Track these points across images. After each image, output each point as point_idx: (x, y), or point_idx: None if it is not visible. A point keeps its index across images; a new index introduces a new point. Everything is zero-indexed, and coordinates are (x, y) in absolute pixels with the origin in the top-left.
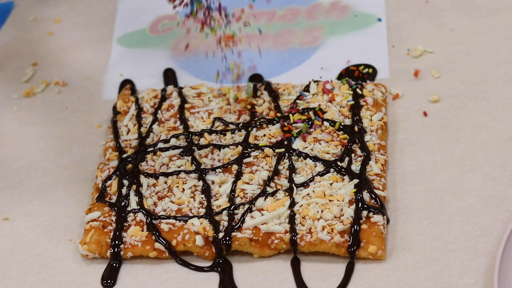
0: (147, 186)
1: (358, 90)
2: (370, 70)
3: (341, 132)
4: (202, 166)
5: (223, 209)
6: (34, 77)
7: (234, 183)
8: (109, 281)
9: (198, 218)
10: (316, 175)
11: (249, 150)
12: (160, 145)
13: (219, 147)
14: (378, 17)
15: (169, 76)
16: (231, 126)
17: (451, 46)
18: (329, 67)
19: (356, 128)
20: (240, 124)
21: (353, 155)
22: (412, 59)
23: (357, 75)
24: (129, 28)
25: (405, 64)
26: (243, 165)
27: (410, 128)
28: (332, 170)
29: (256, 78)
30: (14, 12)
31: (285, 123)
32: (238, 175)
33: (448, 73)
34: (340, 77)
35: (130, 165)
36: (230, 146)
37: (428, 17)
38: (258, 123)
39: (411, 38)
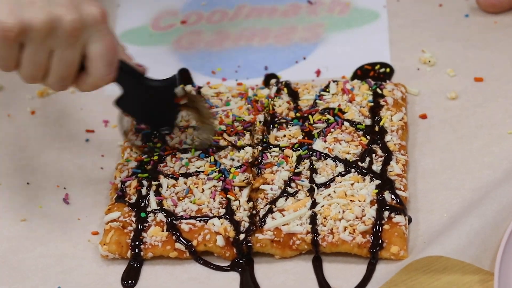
0: (167, 187)
1: (378, 90)
2: (388, 70)
3: (361, 132)
4: (222, 167)
5: (244, 210)
6: None
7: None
8: (130, 281)
9: (219, 219)
10: (337, 175)
11: (269, 150)
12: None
13: (238, 148)
14: (379, 13)
15: (184, 76)
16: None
17: (466, 43)
18: (329, 64)
19: (376, 128)
20: (261, 123)
21: (374, 155)
22: (419, 57)
23: (373, 75)
24: (130, 25)
25: (409, 61)
26: (262, 165)
27: (428, 126)
28: (353, 170)
29: (272, 77)
30: None
31: (306, 124)
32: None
33: (463, 71)
34: (355, 76)
35: (149, 166)
36: (249, 147)
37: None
38: (277, 124)
39: (418, 35)
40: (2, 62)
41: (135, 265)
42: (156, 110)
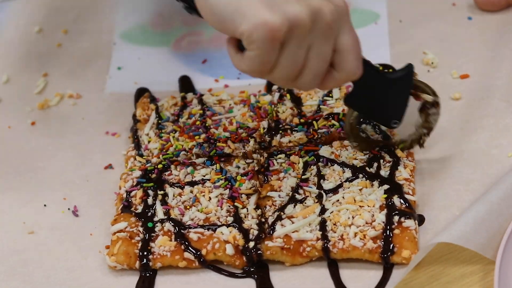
0: (173, 196)
1: None
2: (390, 71)
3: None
4: (228, 175)
5: (252, 218)
6: (47, 88)
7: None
8: None
9: (227, 227)
10: (344, 181)
11: (275, 157)
12: (183, 154)
13: (247, 156)
14: (379, 14)
15: (185, 83)
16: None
17: (467, 43)
18: None
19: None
20: (265, 130)
21: (381, 160)
22: (421, 58)
23: None
24: (131, 23)
25: (411, 62)
26: (269, 172)
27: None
28: (360, 175)
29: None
30: (18, 22)
31: (310, 130)
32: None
33: (465, 71)
34: None
35: (154, 175)
36: (254, 153)
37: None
38: (281, 131)
39: (419, 36)
40: (261, 66)
41: (148, 275)
42: (388, 103)
